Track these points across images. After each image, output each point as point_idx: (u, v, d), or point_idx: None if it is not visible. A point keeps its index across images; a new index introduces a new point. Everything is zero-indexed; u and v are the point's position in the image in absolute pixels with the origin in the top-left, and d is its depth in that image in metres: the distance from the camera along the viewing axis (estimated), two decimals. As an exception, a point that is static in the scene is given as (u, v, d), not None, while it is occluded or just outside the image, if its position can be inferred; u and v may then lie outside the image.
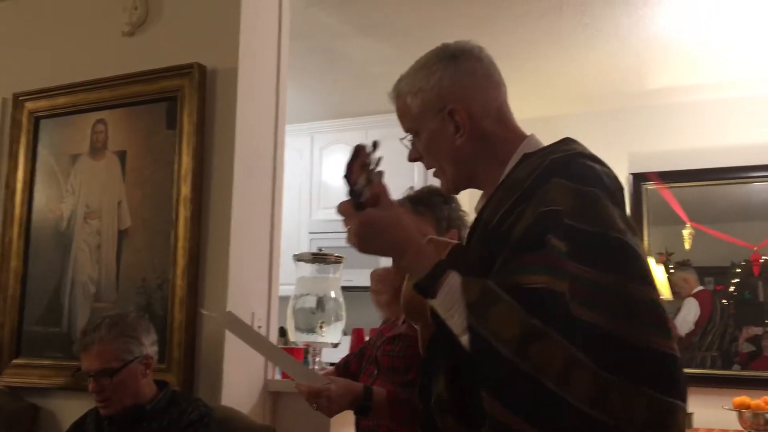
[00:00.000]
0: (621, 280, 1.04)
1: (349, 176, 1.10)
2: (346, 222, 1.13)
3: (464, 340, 1.06)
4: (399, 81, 1.31)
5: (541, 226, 1.06)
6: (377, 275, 1.40)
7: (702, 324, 4.14)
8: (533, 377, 0.98)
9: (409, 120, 1.28)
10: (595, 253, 1.04)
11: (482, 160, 1.24)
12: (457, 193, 1.33)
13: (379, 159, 1.11)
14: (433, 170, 1.30)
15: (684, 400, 1.03)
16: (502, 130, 1.26)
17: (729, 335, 4.09)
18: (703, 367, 4.08)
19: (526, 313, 1.01)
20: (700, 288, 4.17)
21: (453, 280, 1.09)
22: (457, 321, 1.08)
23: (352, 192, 1.10)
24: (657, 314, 1.04)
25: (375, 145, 1.11)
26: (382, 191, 1.13)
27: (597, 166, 1.15)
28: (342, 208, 1.13)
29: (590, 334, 1.00)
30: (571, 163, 1.14)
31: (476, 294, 1.06)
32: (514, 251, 1.07)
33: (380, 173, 1.12)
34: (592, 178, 1.11)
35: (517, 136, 1.26)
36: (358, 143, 1.11)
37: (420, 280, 1.11)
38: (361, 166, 1.10)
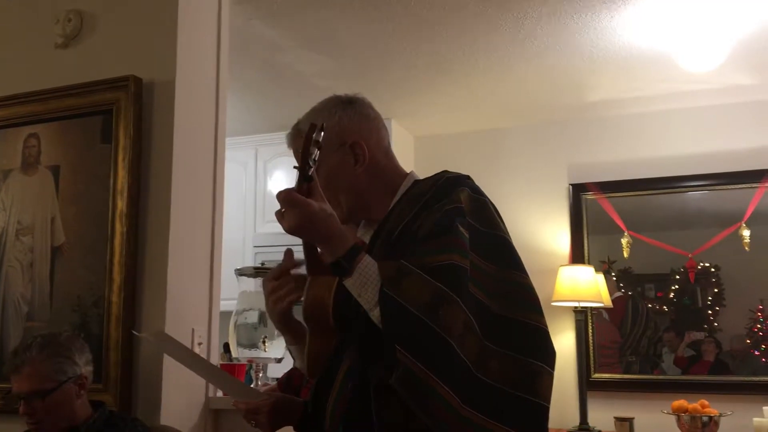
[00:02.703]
0: (503, 269, 1.29)
1: (306, 148, 1.19)
2: (287, 205, 1.21)
3: (375, 313, 1.20)
4: (297, 123, 1.46)
5: (450, 217, 1.27)
6: (271, 276, 1.43)
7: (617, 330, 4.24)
8: (441, 335, 1.16)
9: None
10: (486, 248, 1.28)
11: (375, 190, 1.42)
12: (351, 221, 1.45)
13: (318, 142, 1.21)
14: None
15: (551, 366, 1.26)
16: (390, 165, 1.47)
17: (647, 339, 4.19)
18: (630, 372, 4.18)
19: (436, 282, 1.19)
20: (617, 294, 4.27)
21: (368, 259, 1.23)
22: (369, 295, 1.21)
23: (306, 162, 1.20)
24: (530, 296, 1.29)
25: (322, 127, 1.22)
26: (315, 184, 1.24)
27: (477, 186, 1.40)
28: (285, 196, 1.21)
29: (479, 309, 1.22)
30: (465, 179, 1.39)
31: (391, 270, 1.21)
32: (424, 239, 1.25)
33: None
34: (480, 191, 1.37)
35: (401, 171, 1.47)
36: (312, 122, 1.22)
37: (339, 258, 1.22)
38: (314, 143, 1.20)
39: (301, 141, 1.37)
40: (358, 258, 1.22)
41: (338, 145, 1.40)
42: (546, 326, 1.29)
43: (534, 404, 1.23)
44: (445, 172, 1.42)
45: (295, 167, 1.44)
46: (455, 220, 1.26)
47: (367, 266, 1.22)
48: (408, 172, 1.48)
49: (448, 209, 1.28)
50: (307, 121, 1.41)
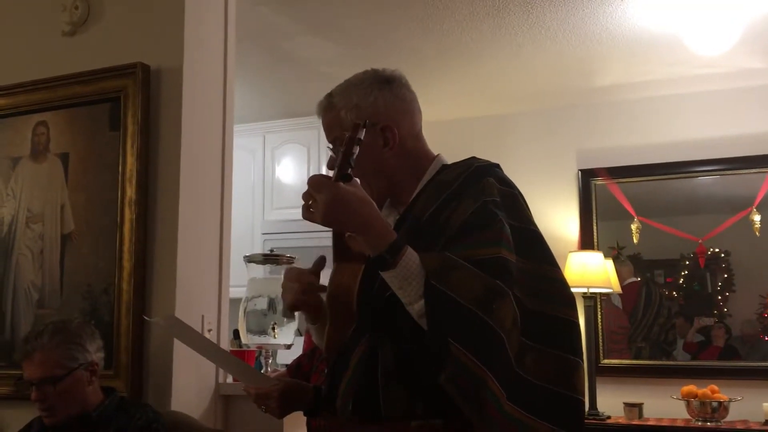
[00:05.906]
0: (536, 264, 1.27)
1: (349, 147, 1.16)
2: (313, 194, 1.17)
3: (417, 307, 1.18)
4: (330, 96, 1.43)
5: (491, 209, 1.25)
6: (291, 274, 1.45)
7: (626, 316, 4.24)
8: (495, 330, 1.14)
9: (340, 131, 1.39)
10: (518, 243, 1.25)
11: (402, 173, 1.41)
12: (380, 203, 1.42)
13: (360, 141, 1.18)
14: None
15: (582, 359, 1.26)
16: (420, 149, 1.45)
17: (658, 326, 4.18)
18: (640, 358, 4.17)
19: (487, 275, 1.16)
20: (631, 280, 4.26)
21: (411, 252, 1.20)
22: (412, 289, 1.18)
23: (347, 162, 1.15)
24: (564, 290, 1.29)
25: (365, 125, 1.19)
26: (355, 184, 1.22)
27: (507, 176, 1.39)
28: (315, 179, 1.18)
29: (518, 305, 1.20)
30: (494, 169, 1.36)
31: (436, 262, 1.19)
32: (465, 231, 1.23)
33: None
34: (510, 182, 1.35)
35: (429, 154, 1.45)
36: (356, 122, 1.20)
37: (382, 252, 1.19)
38: (357, 141, 1.17)
39: (332, 114, 1.41)
40: (403, 251, 1.19)
41: (371, 125, 1.35)
42: (578, 320, 1.29)
43: (572, 399, 1.23)
44: (474, 159, 1.40)
45: (328, 147, 1.46)
46: (497, 213, 1.24)
47: (411, 259, 1.19)
48: (435, 155, 1.45)
49: (486, 200, 1.25)
50: (341, 94, 1.42)
